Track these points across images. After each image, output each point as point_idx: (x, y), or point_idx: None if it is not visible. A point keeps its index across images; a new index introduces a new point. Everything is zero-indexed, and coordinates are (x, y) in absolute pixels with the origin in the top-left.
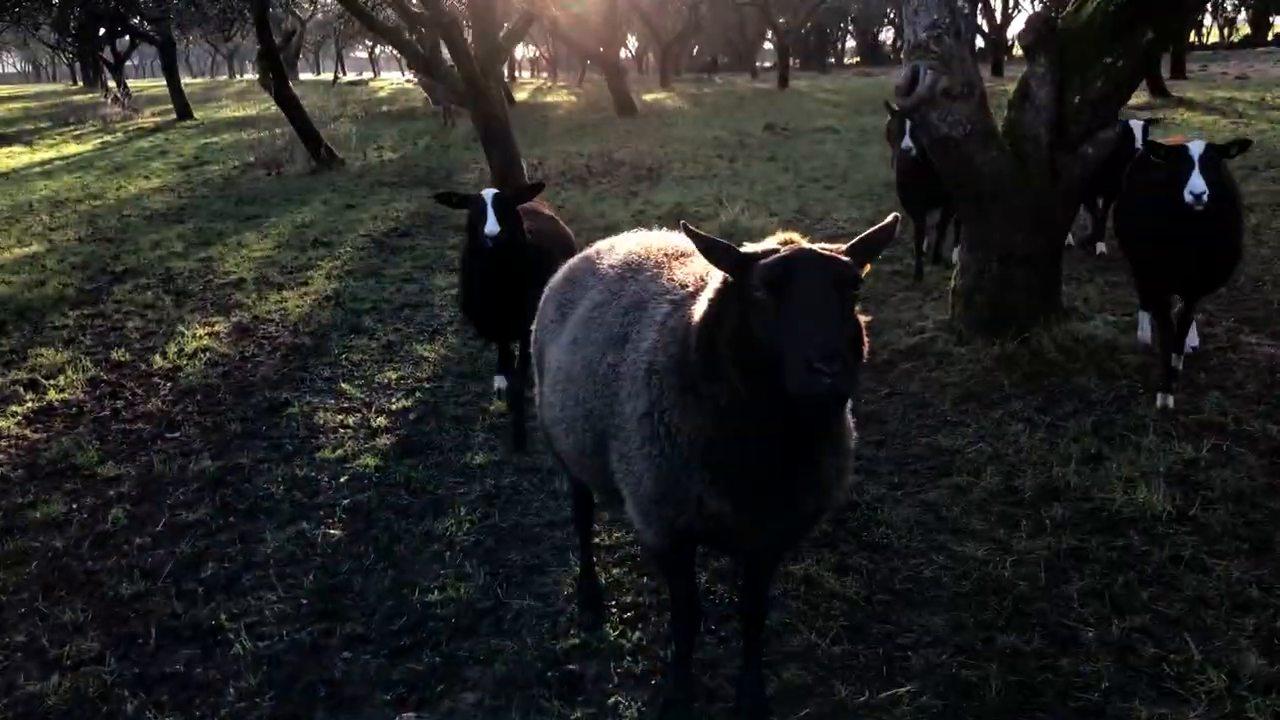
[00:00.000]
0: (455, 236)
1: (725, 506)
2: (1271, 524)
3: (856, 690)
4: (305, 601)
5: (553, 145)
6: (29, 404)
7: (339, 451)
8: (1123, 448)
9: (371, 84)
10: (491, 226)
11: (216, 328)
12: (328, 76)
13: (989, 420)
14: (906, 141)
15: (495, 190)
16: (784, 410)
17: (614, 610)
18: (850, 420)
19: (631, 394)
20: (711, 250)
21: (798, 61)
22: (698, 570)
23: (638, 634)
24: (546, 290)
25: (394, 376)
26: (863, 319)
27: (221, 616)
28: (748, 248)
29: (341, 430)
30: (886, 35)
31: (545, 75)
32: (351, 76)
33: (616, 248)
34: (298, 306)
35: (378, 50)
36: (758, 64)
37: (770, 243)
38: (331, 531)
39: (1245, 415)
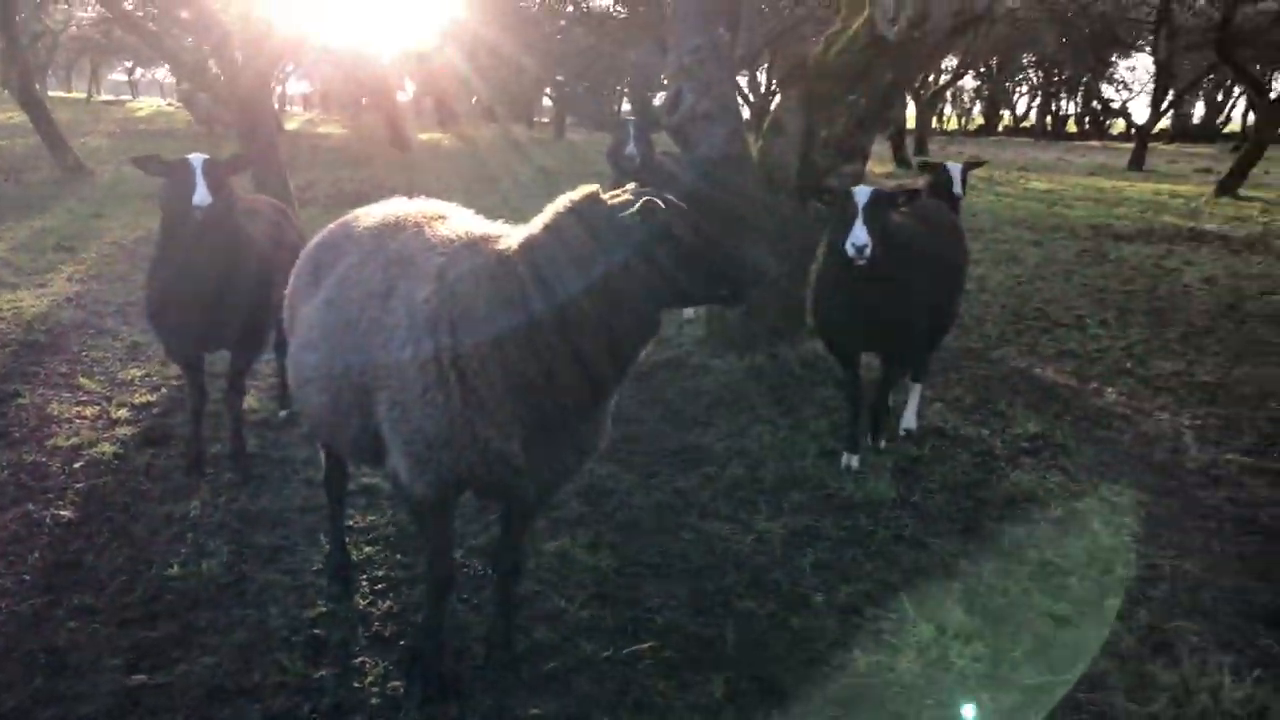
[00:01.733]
0: None
1: (514, 447)
2: (978, 509)
3: (602, 647)
4: (28, 577)
5: (323, 172)
6: None
7: (73, 440)
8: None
9: (129, 105)
10: (202, 195)
11: None
12: (80, 94)
13: (737, 423)
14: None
15: (206, 155)
16: (609, 351)
17: (364, 583)
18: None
19: (407, 341)
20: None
21: (574, 118)
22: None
23: (388, 603)
24: (301, 257)
25: (138, 374)
26: None
27: None
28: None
29: (78, 420)
30: (658, 99)
31: (317, 110)
32: (108, 97)
33: (372, 212)
34: (33, 306)
35: (138, 73)
36: (535, 118)
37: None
38: (62, 513)
39: (961, 423)
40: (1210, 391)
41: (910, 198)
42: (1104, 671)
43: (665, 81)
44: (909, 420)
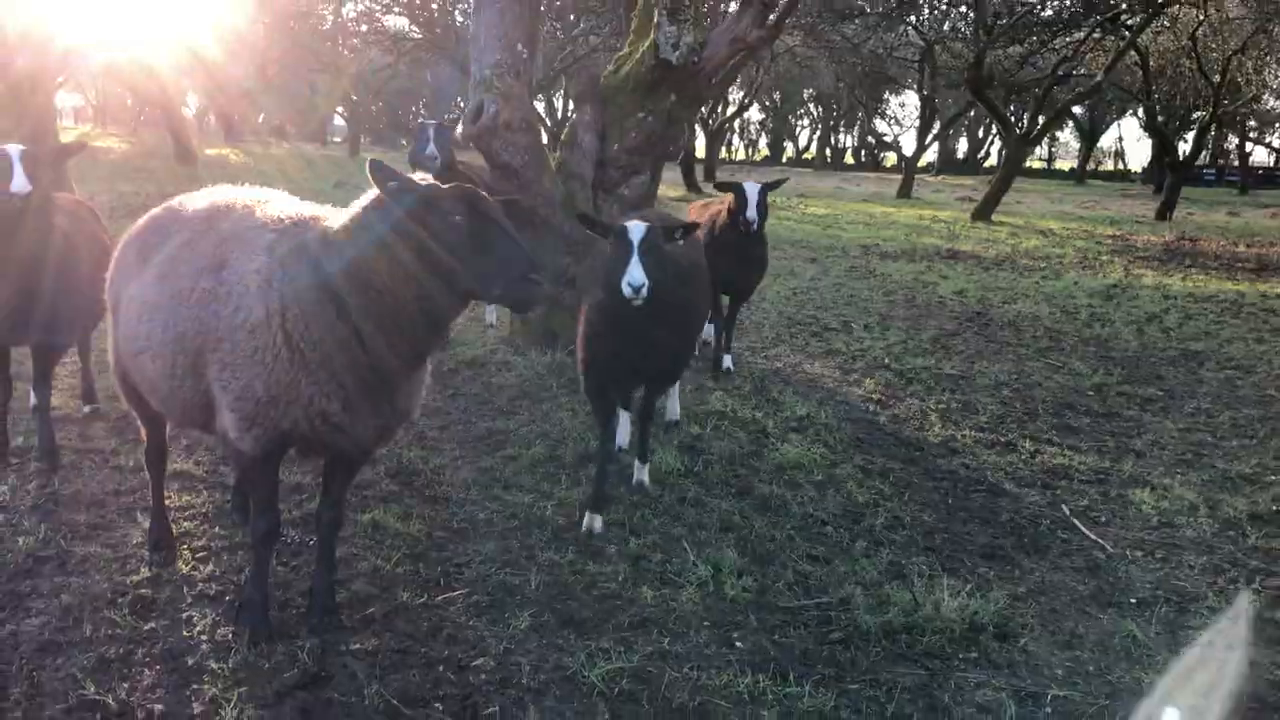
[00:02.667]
0: None
1: (334, 405)
2: (751, 476)
3: (416, 595)
4: None
5: (104, 184)
6: None
7: None
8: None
9: None
10: (20, 183)
11: None
12: None
13: (539, 411)
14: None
15: (23, 146)
16: (417, 321)
17: (186, 551)
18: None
19: (239, 308)
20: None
21: (368, 138)
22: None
23: (210, 568)
24: (124, 239)
25: None
26: None
27: None
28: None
29: None
30: (431, 121)
31: (92, 124)
32: None
33: (197, 198)
34: None
35: None
36: (329, 137)
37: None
38: None
39: (740, 407)
40: (954, 381)
41: (687, 230)
42: (850, 595)
43: (467, 96)
44: (673, 412)
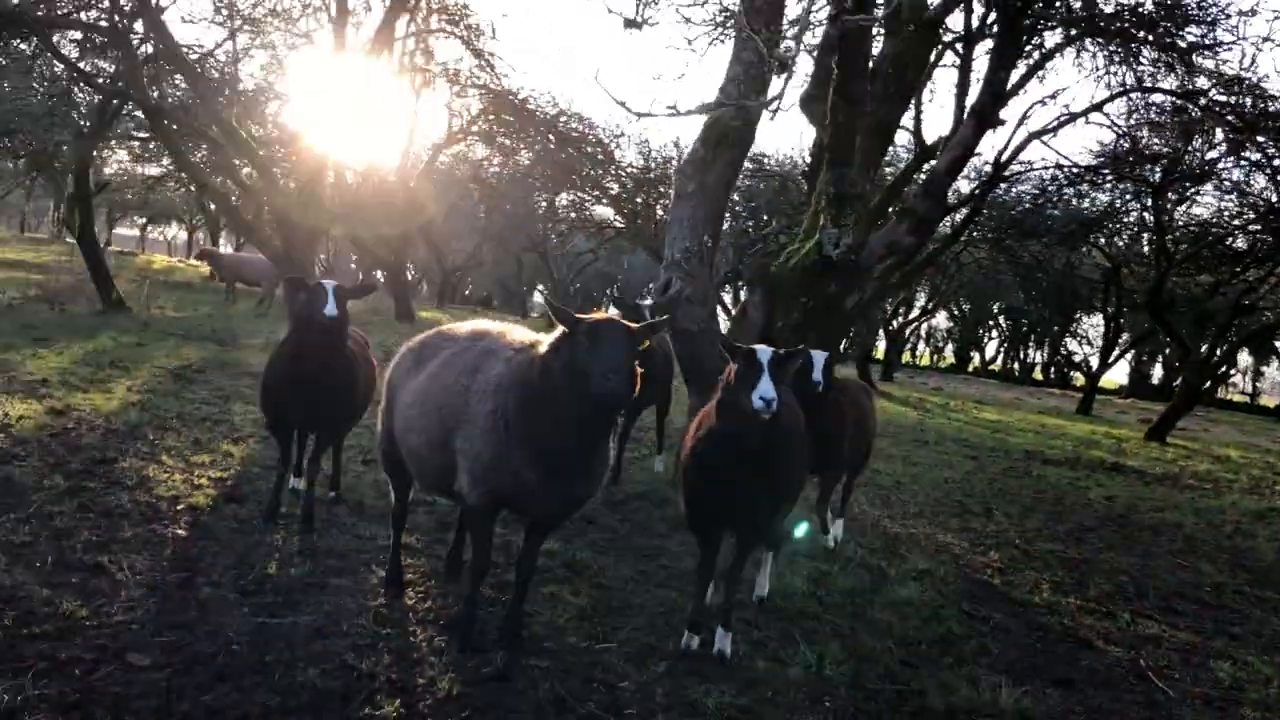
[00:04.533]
0: (249, 378)
1: (532, 475)
2: (866, 605)
3: (580, 641)
4: (166, 563)
5: None
6: None
7: (172, 492)
8: None
9: (139, 257)
10: (331, 309)
11: (33, 407)
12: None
13: (691, 539)
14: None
15: (336, 282)
16: (590, 408)
17: (410, 591)
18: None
19: (481, 400)
20: (559, 313)
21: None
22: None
23: (428, 604)
24: (403, 350)
25: (207, 459)
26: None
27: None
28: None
29: (170, 480)
30: (645, 302)
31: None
32: (119, 248)
33: (462, 325)
34: (105, 405)
35: (149, 230)
36: (528, 309)
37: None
38: (178, 531)
39: (869, 556)
40: (1075, 564)
41: (797, 356)
42: (927, 688)
43: (660, 274)
44: (762, 587)
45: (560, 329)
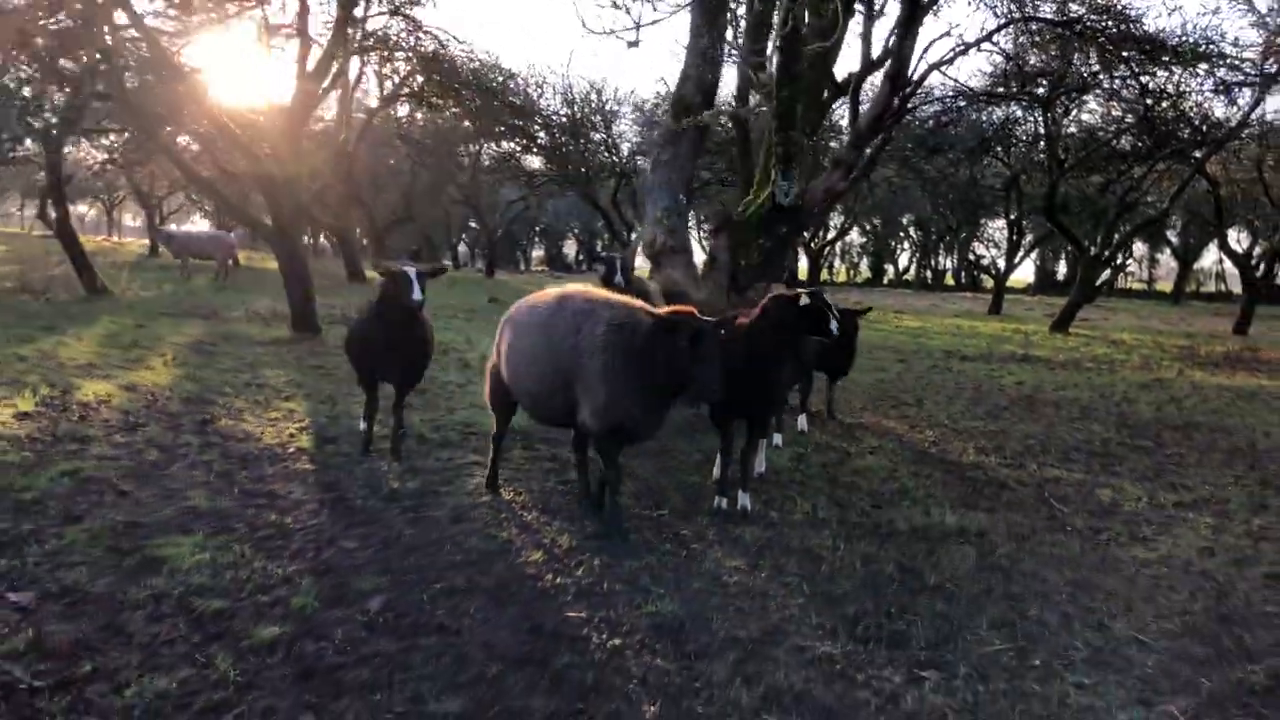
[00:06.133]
0: (259, 347)
1: (637, 412)
2: (836, 471)
3: (646, 507)
4: (302, 493)
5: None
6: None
7: (277, 439)
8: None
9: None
10: (417, 294)
11: (106, 387)
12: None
13: (694, 442)
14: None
15: (417, 267)
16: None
17: (506, 493)
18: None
19: (592, 354)
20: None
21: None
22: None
23: (523, 497)
24: (508, 313)
25: (277, 415)
26: None
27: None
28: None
29: (268, 430)
30: (569, 248)
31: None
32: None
33: (548, 291)
34: (160, 380)
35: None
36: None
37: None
38: (307, 466)
39: (833, 440)
40: (993, 434)
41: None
42: (894, 518)
43: (639, 229)
44: (761, 465)
45: (669, 310)
